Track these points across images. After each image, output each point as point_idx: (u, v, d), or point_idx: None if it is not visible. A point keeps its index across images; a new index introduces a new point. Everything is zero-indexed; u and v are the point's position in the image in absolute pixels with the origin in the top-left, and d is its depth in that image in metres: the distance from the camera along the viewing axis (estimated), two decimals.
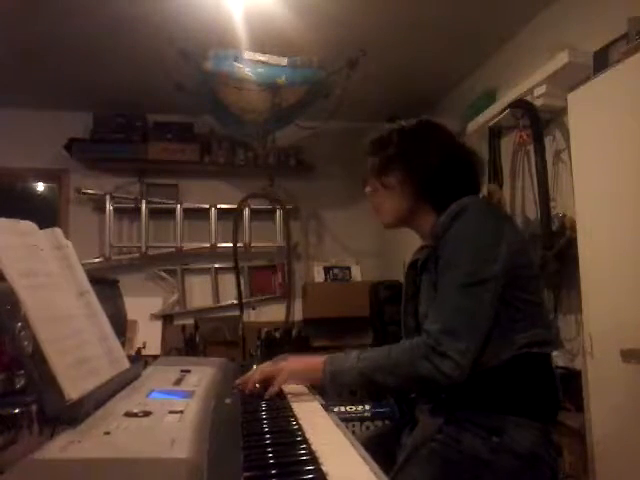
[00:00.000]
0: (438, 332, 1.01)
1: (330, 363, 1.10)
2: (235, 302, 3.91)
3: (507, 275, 1.05)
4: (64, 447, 0.58)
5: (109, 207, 3.91)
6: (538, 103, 2.50)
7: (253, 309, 4.09)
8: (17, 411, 0.73)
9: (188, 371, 1.08)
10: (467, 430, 1.04)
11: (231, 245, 3.81)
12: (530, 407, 1.06)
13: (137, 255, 3.96)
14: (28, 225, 0.85)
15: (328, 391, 1.11)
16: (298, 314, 4.10)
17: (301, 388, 1.17)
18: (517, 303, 1.07)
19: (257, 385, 1.11)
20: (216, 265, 4.11)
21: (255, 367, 1.28)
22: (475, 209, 1.09)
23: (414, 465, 1.05)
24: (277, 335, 3.76)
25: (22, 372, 0.85)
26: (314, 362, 1.13)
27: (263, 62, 2.88)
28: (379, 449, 1.13)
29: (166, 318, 3.93)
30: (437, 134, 1.22)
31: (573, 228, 2.13)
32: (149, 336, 3.51)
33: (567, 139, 2.34)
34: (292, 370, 1.12)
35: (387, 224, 1.26)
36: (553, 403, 1.13)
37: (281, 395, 1.10)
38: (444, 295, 1.06)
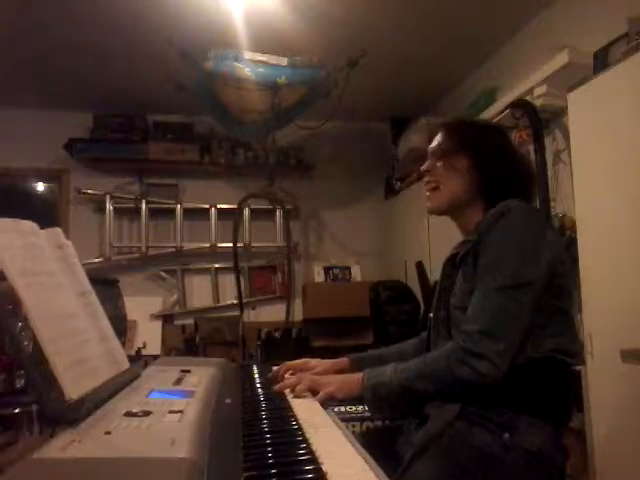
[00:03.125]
0: (476, 333, 1.02)
1: (368, 378, 1.12)
2: (235, 302, 3.91)
3: (545, 280, 1.05)
4: (64, 447, 0.58)
5: (109, 207, 3.91)
6: (538, 103, 2.50)
7: (253, 309, 4.09)
8: (17, 411, 0.73)
9: (188, 371, 1.07)
10: (478, 425, 1.04)
11: (231, 245, 3.81)
12: (544, 409, 1.06)
13: (137, 255, 3.97)
14: (29, 225, 0.85)
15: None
16: (298, 314, 4.10)
17: None
18: (548, 310, 1.07)
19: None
20: (216, 265, 4.11)
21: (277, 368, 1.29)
22: (520, 211, 1.10)
23: (424, 459, 1.04)
24: (277, 335, 3.76)
25: (22, 372, 0.85)
26: (353, 378, 1.15)
27: (263, 62, 2.88)
28: (380, 447, 1.13)
29: (166, 318, 3.93)
30: (509, 141, 1.31)
31: (573, 228, 2.13)
32: (149, 336, 3.51)
33: (567, 139, 2.34)
34: (340, 383, 1.13)
35: (436, 207, 1.27)
36: (566, 410, 1.12)
37: (281, 395, 1.10)
38: (484, 296, 1.06)
